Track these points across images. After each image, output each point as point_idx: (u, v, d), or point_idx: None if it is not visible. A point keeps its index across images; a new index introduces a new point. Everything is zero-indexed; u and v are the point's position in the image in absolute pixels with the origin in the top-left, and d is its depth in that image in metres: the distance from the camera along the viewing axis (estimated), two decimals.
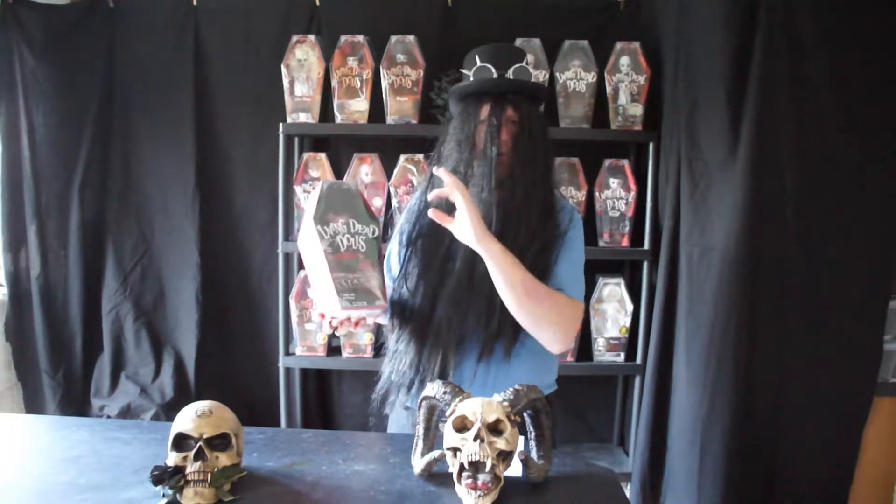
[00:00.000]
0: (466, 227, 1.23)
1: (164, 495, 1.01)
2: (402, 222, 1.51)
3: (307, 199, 1.33)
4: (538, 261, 1.32)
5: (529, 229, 1.33)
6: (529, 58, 2.20)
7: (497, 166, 1.34)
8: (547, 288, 1.30)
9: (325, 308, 1.29)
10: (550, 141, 1.42)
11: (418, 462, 1.13)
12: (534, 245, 1.33)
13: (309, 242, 1.27)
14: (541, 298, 1.27)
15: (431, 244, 1.39)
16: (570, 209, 1.46)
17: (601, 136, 2.33)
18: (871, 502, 2.07)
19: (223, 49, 2.48)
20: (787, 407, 1.94)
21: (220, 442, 1.06)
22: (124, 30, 2.47)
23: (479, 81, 1.39)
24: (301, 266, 2.46)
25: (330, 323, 1.30)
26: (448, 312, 1.35)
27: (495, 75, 1.38)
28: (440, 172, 1.26)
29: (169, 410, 2.39)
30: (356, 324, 1.31)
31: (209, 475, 1.01)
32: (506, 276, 1.25)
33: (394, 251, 1.49)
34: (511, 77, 1.38)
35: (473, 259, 1.31)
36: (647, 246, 2.31)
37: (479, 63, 1.39)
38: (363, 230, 1.31)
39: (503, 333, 1.33)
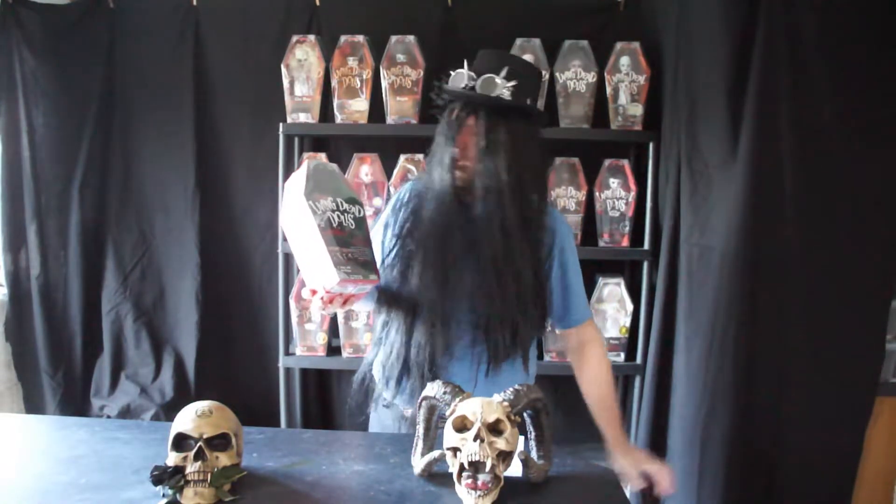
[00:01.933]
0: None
1: (164, 495, 1.01)
2: (387, 215, 1.52)
3: (291, 180, 1.34)
4: (515, 278, 1.35)
5: (496, 243, 1.34)
6: (529, 57, 2.21)
7: (454, 172, 1.37)
8: (612, 382, 1.54)
9: (316, 284, 1.27)
10: (535, 153, 1.40)
11: (418, 462, 1.13)
12: (507, 260, 1.34)
13: (298, 218, 1.26)
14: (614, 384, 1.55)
15: (431, 246, 1.39)
16: (564, 232, 1.48)
17: (601, 136, 2.33)
18: (872, 503, 2.07)
19: (223, 49, 2.47)
20: (787, 407, 1.93)
21: (220, 442, 1.06)
22: (124, 30, 2.47)
23: (448, 89, 1.42)
24: None
25: (322, 298, 1.28)
26: (441, 318, 1.37)
27: (465, 81, 1.38)
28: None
29: (169, 410, 2.39)
30: (346, 300, 1.30)
31: (209, 475, 1.01)
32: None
33: (377, 239, 1.49)
34: (477, 88, 1.37)
35: (479, 273, 1.34)
36: (647, 246, 2.31)
37: (465, 68, 1.40)
38: (351, 209, 1.32)
39: (516, 352, 1.39)
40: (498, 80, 1.35)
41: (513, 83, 1.35)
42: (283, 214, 1.32)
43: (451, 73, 1.44)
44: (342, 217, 1.29)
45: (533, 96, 1.42)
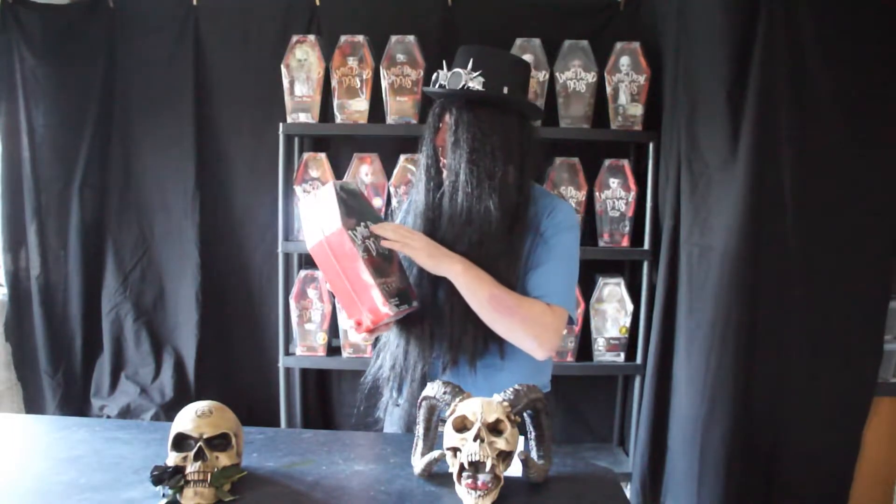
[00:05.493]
0: (422, 263, 1.29)
1: (164, 495, 1.01)
2: (401, 218, 1.54)
3: (311, 202, 1.31)
4: (494, 272, 1.31)
5: (472, 238, 1.32)
6: (529, 57, 2.21)
7: (431, 173, 1.38)
8: (519, 299, 1.31)
9: (359, 314, 1.25)
10: (512, 140, 1.36)
11: (418, 462, 1.13)
12: (482, 254, 1.31)
13: (333, 246, 1.22)
14: (512, 311, 1.29)
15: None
16: (557, 219, 1.39)
17: (601, 136, 2.33)
18: (871, 502, 2.07)
19: (223, 49, 2.47)
20: (786, 407, 1.94)
21: (220, 442, 1.06)
22: (124, 30, 2.47)
23: (426, 91, 1.43)
24: (301, 265, 2.46)
25: (367, 328, 1.26)
26: (429, 317, 1.37)
27: (440, 80, 1.38)
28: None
29: (169, 410, 2.39)
30: (387, 325, 1.32)
31: (209, 475, 1.01)
32: (471, 293, 1.29)
33: None
34: (446, 85, 1.37)
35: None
36: (647, 246, 2.31)
37: (444, 68, 1.40)
38: None
39: (464, 345, 1.34)
40: (463, 73, 1.34)
41: (478, 73, 1.33)
42: (308, 239, 1.26)
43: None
44: (375, 243, 1.27)
45: (512, 84, 1.36)
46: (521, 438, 1.11)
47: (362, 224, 1.27)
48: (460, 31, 2.41)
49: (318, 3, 2.42)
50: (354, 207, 1.29)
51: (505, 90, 1.35)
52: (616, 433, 2.62)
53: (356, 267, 1.21)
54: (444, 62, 1.40)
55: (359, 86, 2.29)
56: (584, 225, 2.33)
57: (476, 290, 1.28)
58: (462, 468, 1.01)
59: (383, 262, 1.28)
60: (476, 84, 1.34)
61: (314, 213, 1.26)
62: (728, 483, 1.93)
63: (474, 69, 1.34)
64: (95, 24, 2.45)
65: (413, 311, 1.35)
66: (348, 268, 1.22)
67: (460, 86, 1.34)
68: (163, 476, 1.00)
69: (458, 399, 1.07)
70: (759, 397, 1.93)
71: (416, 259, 1.29)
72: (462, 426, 1.04)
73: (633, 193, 2.32)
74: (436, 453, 1.10)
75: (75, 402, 2.51)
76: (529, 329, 1.30)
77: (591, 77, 2.28)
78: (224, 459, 1.05)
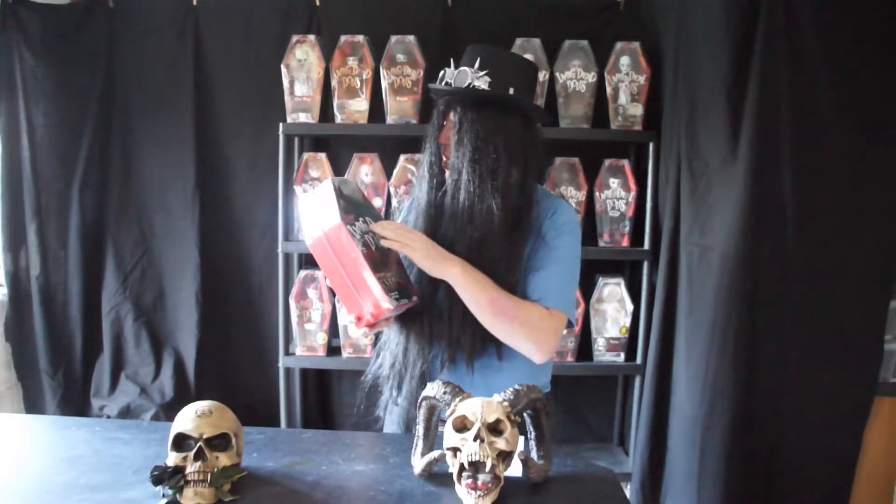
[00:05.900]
0: (420, 264, 1.29)
1: (164, 495, 1.01)
2: (403, 216, 1.54)
3: (310, 199, 1.30)
4: (494, 273, 1.31)
5: (473, 237, 1.32)
6: (529, 57, 2.21)
7: (437, 167, 1.38)
8: (518, 302, 1.31)
9: (359, 309, 1.25)
10: (514, 141, 1.35)
11: (418, 462, 1.13)
12: (483, 255, 1.31)
13: (333, 242, 1.23)
14: (511, 315, 1.29)
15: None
16: (559, 220, 1.39)
17: (601, 136, 2.33)
18: (871, 502, 2.07)
19: (223, 49, 2.48)
20: (787, 407, 1.94)
21: (220, 442, 1.06)
22: (124, 30, 2.47)
23: (432, 88, 1.43)
24: (301, 265, 2.46)
25: (367, 323, 1.26)
26: (429, 316, 1.37)
27: (446, 78, 1.38)
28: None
29: (169, 410, 2.39)
30: (387, 320, 1.32)
31: (209, 475, 1.01)
32: (469, 296, 1.29)
33: None
34: (452, 83, 1.36)
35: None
36: (647, 246, 2.31)
37: (451, 66, 1.39)
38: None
39: (463, 345, 1.34)
40: (470, 71, 1.34)
41: (485, 72, 1.33)
42: (308, 235, 1.27)
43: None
44: (374, 238, 1.27)
45: (518, 85, 1.36)
46: (521, 438, 1.11)
47: (361, 219, 1.28)
48: (460, 31, 2.41)
49: (318, 3, 2.42)
50: (353, 203, 1.29)
51: (511, 91, 1.35)
52: (616, 433, 2.62)
53: (355, 262, 1.22)
54: (451, 60, 1.40)
55: (359, 86, 2.29)
56: (584, 225, 2.33)
57: (475, 293, 1.29)
58: (462, 468, 1.01)
59: (382, 257, 1.28)
60: (482, 83, 1.33)
61: (313, 209, 1.27)
62: (728, 483, 1.93)
63: (481, 68, 1.34)
64: (95, 24, 2.45)
65: (413, 309, 1.35)
66: (347, 263, 1.23)
67: (466, 84, 1.34)
68: (163, 476, 1.00)
69: (458, 399, 1.07)
70: (759, 397, 1.93)
71: (414, 260, 1.29)
72: (462, 426, 1.04)
73: (633, 193, 2.32)
74: (436, 453, 1.11)
75: (75, 402, 2.51)
76: (529, 333, 1.31)
77: (591, 77, 2.28)
78: (224, 459, 1.05)
